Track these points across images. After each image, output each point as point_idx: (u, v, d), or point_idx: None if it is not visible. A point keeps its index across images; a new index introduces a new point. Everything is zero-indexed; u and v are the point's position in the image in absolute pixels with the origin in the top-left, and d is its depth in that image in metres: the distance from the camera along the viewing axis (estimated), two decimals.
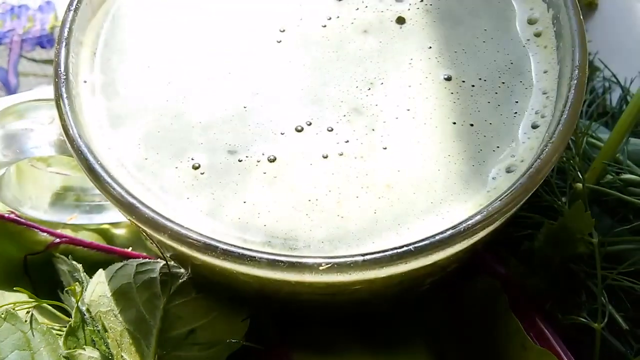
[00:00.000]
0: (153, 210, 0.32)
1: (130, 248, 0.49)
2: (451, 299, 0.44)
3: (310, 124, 0.37)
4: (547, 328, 0.41)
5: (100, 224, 0.50)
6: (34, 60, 0.85)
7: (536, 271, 0.45)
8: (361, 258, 0.30)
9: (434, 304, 0.44)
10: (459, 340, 0.43)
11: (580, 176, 0.46)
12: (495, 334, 0.42)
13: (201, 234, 0.31)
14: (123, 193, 0.33)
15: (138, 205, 0.32)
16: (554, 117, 0.36)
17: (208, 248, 0.31)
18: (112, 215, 0.50)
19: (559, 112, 0.35)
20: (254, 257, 0.30)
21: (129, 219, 0.34)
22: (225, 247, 0.31)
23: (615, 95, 0.55)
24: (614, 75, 0.54)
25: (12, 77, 0.83)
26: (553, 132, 0.34)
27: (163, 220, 0.32)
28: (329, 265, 0.30)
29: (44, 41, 0.68)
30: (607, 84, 0.57)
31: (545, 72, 0.39)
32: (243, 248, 0.31)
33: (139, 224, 0.32)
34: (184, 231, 0.31)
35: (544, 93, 0.38)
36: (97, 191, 0.49)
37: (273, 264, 0.30)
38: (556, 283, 0.45)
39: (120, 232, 0.53)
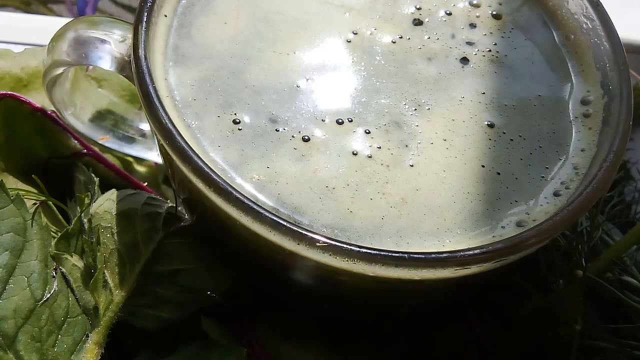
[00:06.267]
0: (186, 142, 0.34)
1: (146, 184, 0.50)
2: (421, 337, 0.45)
3: (351, 120, 0.39)
4: None
5: (126, 154, 0.52)
6: (114, 2, 0.89)
7: (511, 339, 0.45)
8: (357, 249, 0.32)
9: (405, 337, 0.45)
10: None
11: (584, 264, 0.47)
12: None
13: (219, 175, 0.33)
14: (166, 119, 0.35)
15: (175, 133, 0.34)
16: (577, 191, 0.37)
17: (222, 190, 0.33)
18: (140, 150, 0.52)
19: (584, 187, 0.36)
20: (260, 212, 0.32)
21: (161, 146, 0.36)
22: (239, 196, 0.32)
23: None
24: None
25: (89, 11, 0.88)
26: (572, 201, 0.35)
27: (191, 153, 0.34)
28: (326, 245, 0.32)
29: None
30: (637, 195, 0.58)
31: (582, 150, 0.40)
32: (251, 200, 0.32)
33: (171, 151, 0.34)
34: (206, 168, 0.33)
35: (575, 168, 0.39)
36: (134, 123, 0.52)
37: (275, 224, 0.32)
38: (528, 357, 0.45)
39: (140, 168, 0.55)
